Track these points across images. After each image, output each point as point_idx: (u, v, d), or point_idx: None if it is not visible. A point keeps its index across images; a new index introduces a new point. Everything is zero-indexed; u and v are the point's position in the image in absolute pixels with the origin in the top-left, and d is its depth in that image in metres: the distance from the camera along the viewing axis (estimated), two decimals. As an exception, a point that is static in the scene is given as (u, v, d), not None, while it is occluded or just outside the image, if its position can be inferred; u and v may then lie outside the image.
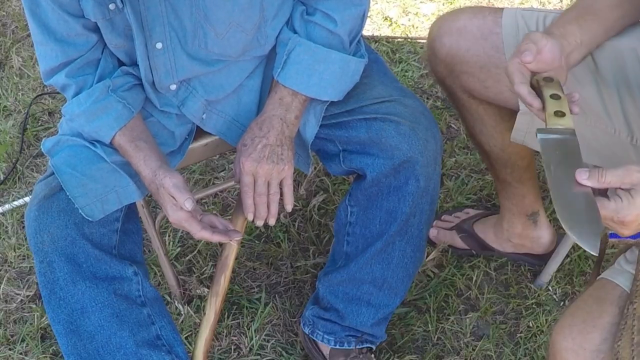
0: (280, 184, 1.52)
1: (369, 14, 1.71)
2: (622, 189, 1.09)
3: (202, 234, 1.42)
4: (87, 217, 1.44)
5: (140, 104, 1.53)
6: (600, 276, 1.34)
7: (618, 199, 1.09)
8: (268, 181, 1.50)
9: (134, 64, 1.51)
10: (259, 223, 1.53)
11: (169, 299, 1.96)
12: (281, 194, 1.53)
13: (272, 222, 1.53)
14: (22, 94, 2.57)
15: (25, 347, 1.90)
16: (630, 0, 1.43)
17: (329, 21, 1.50)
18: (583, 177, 1.09)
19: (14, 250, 2.11)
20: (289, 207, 1.54)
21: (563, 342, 1.25)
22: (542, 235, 1.97)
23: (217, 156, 2.31)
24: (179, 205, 1.40)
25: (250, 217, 1.52)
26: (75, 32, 1.42)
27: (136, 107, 1.51)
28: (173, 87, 1.54)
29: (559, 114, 1.19)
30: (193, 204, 1.39)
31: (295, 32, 1.52)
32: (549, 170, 1.14)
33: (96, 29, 1.45)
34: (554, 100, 1.21)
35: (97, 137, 1.49)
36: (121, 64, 1.53)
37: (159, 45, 1.45)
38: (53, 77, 1.49)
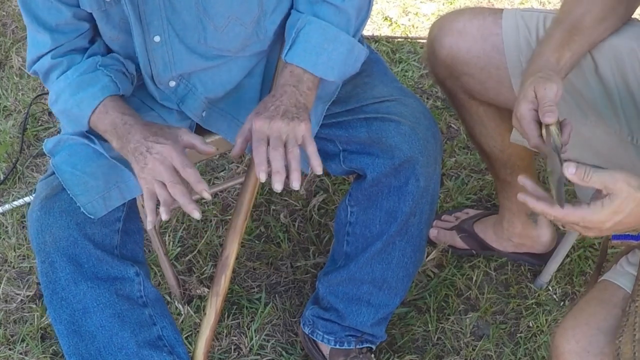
0: (302, 146, 1.36)
1: (369, 14, 1.70)
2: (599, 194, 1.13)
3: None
4: (89, 215, 1.44)
5: (128, 90, 1.49)
6: (602, 278, 1.34)
7: (585, 206, 1.12)
8: (284, 141, 1.35)
9: (128, 57, 1.51)
10: (278, 186, 1.31)
11: (169, 299, 1.96)
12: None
13: (296, 184, 1.33)
14: (22, 94, 2.57)
15: (25, 347, 1.90)
16: (614, 12, 1.44)
17: None
18: (571, 172, 1.12)
19: (14, 250, 2.11)
20: (318, 169, 1.36)
21: (566, 344, 1.24)
22: (542, 234, 1.97)
23: (217, 156, 2.32)
24: (201, 147, 1.37)
25: (262, 177, 1.33)
26: (65, 21, 1.42)
27: (123, 88, 1.46)
28: (172, 83, 1.54)
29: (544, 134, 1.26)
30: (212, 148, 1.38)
31: None
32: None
33: (88, 19, 1.45)
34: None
35: (79, 111, 1.43)
36: (110, 51, 1.53)
37: (157, 39, 1.45)
38: (38, 62, 1.48)
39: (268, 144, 1.35)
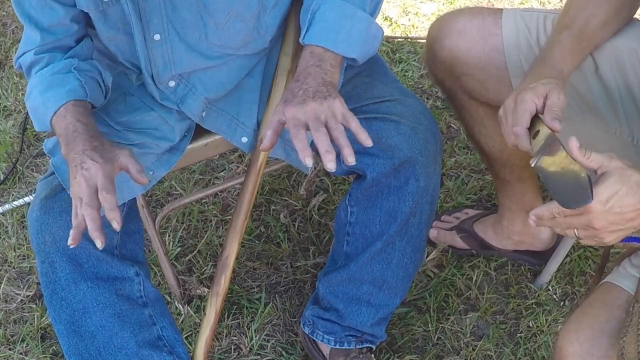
0: (343, 123, 1.29)
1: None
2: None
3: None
4: (89, 216, 1.44)
5: (97, 99, 1.46)
6: (605, 280, 1.34)
7: None
8: (324, 121, 1.28)
9: (127, 59, 1.51)
10: (332, 165, 1.24)
11: (169, 299, 1.96)
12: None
13: (351, 159, 1.24)
14: (22, 94, 2.57)
15: (25, 347, 1.90)
16: (618, 14, 1.44)
17: None
18: (576, 144, 1.13)
19: (14, 250, 2.11)
20: (368, 142, 1.27)
21: (570, 347, 1.24)
22: (542, 231, 1.97)
23: (217, 156, 2.32)
24: (134, 174, 1.31)
25: (309, 162, 1.24)
26: (57, 22, 1.42)
27: (92, 96, 1.44)
28: (172, 83, 1.54)
29: (536, 134, 1.24)
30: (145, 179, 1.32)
31: None
32: (553, 192, 1.17)
33: (80, 20, 1.45)
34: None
35: (44, 110, 1.41)
36: (111, 59, 1.53)
37: (156, 37, 1.45)
38: (22, 56, 1.48)
39: (307, 129, 1.28)
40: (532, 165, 1.21)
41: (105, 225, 1.47)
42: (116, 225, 1.25)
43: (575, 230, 1.15)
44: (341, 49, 1.41)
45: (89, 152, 1.30)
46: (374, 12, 1.49)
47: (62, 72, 1.44)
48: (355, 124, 1.29)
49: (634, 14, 1.49)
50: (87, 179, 1.27)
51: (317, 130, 1.26)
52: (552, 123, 1.22)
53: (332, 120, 1.27)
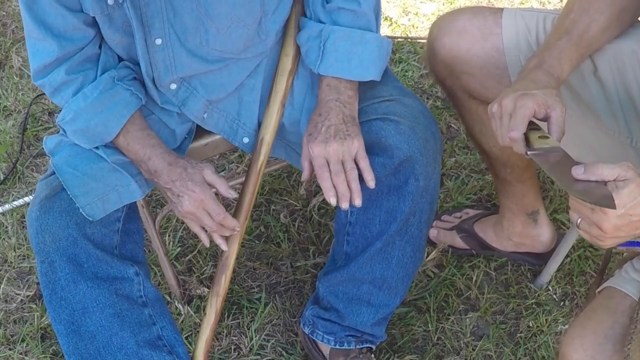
0: (355, 160, 1.47)
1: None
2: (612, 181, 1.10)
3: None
4: (87, 217, 1.44)
5: (145, 96, 1.52)
6: (608, 284, 1.33)
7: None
8: (342, 160, 1.46)
9: (132, 59, 1.51)
10: (345, 205, 1.47)
11: (169, 299, 1.96)
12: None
13: (358, 202, 1.47)
14: (22, 94, 2.57)
15: (25, 347, 1.90)
16: (619, 20, 1.44)
17: (351, 1, 1.50)
18: (579, 173, 1.11)
19: (14, 250, 2.11)
20: (371, 184, 1.47)
21: (574, 353, 1.24)
22: (543, 233, 1.97)
23: (217, 156, 2.31)
24: (224, 193, 1.47)
25: (333, 201, 1.47)
26: (72, 27, 1.41)
27: (143, 97, 1.50)
28: (173, 86, 1.54)
29: (543, 137, 1.23)
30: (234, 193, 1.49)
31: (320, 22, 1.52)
32: (550, 171, 1.16)
33: (94, 24, 1.44)
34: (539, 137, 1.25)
35: (105, 130, 1.46)
36: (120, 58, 1.53)
37: (158, 42, 1.45)
38: (48, 75, 1.46)
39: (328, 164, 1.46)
40: (529, 154, 1.21)
41: (104, 224, 1.48)
42: (237, 232, 1.53)
43: (579, 219, 1.13)
44: (356, 75, 1.51)
45: (179, 182, 1.45)
46: (378, 26, 1.54)
47: (108, 88, 1.47)
48: (363, 164, 1.46)
49: (636, 19, 1.48)
50: (197, 208, 1.45)
51: (337, 175, 1.45)
52: (560, 141, 1.22)
53: (349, 162, 1.46)
